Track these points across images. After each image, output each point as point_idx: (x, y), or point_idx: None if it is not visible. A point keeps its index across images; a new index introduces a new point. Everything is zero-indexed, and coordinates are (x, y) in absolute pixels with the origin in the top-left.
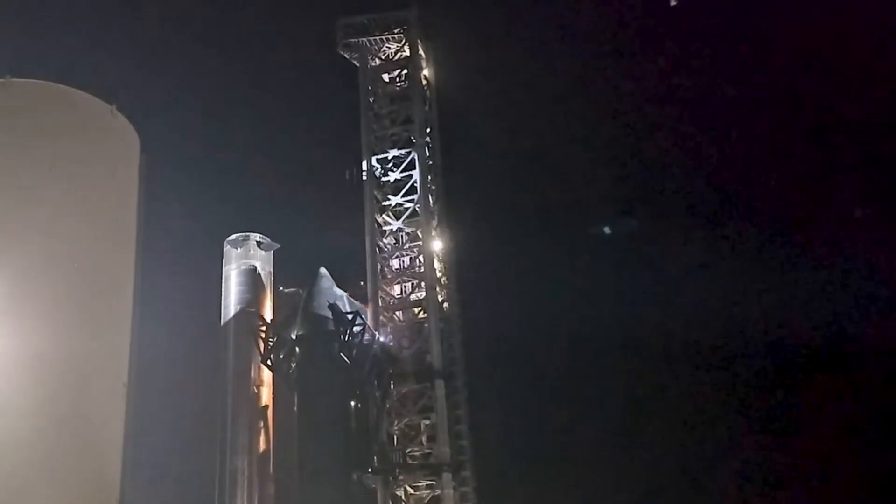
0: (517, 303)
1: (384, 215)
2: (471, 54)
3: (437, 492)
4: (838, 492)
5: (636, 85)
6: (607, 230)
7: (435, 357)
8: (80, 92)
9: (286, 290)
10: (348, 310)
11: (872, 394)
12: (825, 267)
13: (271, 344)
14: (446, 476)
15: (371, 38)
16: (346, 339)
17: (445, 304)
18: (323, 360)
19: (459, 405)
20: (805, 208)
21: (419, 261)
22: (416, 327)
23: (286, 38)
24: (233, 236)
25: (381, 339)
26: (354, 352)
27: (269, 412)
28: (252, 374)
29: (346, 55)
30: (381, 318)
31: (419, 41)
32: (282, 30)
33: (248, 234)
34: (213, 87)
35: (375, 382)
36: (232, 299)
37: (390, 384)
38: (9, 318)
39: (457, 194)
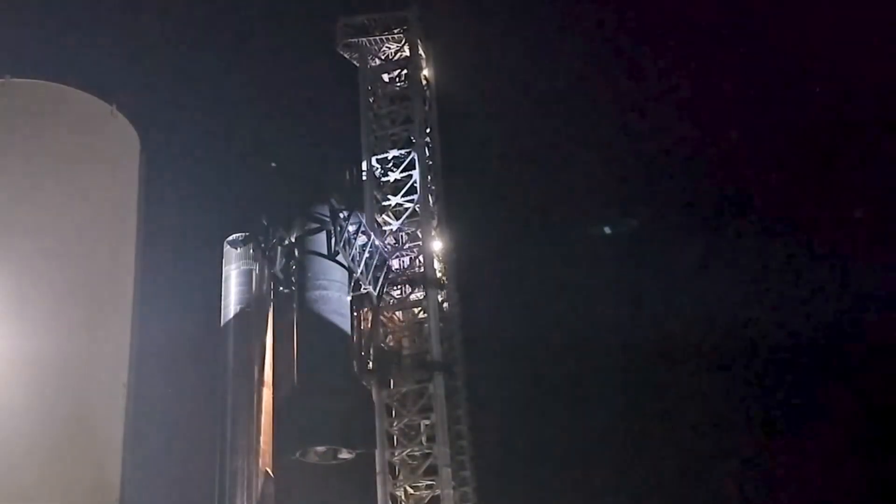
0: (517, 303)
1: (384, 215)
2: (471, 54)
3: (437, 492)
4: (838, 492)
5: (636, 85)
6: (607, 230)
7: (435, 357)
8: (80, 92)
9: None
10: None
11: (873, 394)
12: (825, 267)
13: (273, 242)
14: (446, 475)
15: (371, 38)
16: (341, 235)
17: (445, 304)
18: (319, 257)
19: (459, 405)
20: (805, 208)
21: (419, 261)
22: (416, 327)
23: (286, 38)
24: (233, 236)
25: (377, 241)
26: (349, 249)
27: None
28: (252, 374)
29: (345, 55)
30: (382, 317)
31: (419, 41)
32: (282, 30)
33: (248, 234)
34: (213, 87)
35: (370, 283)
36: (232, 299)
37: (384, 287)
38: (8, 318)
39: (457, 194)
